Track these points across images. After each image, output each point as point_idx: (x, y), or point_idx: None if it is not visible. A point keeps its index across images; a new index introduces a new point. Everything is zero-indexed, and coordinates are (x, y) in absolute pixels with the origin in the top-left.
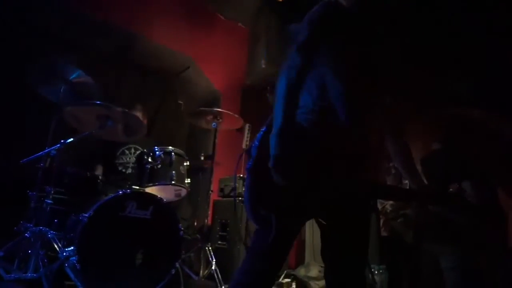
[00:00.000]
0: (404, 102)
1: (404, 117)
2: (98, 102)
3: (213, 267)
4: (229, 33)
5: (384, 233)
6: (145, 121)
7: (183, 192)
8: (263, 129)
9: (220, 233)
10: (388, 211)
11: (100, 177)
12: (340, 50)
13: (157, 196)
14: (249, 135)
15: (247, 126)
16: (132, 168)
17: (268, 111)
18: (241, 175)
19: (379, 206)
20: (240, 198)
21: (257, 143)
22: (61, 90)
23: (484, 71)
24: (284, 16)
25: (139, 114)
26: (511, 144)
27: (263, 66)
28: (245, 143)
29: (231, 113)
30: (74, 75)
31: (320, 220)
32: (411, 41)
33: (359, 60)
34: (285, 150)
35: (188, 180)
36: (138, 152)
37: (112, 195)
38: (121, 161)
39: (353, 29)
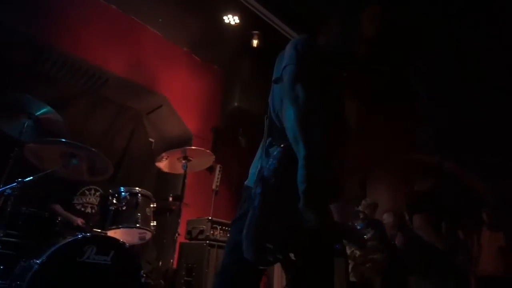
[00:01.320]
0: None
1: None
2: (64, 140)
3: None
4: (205, 74)
5: (352, 278)
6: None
7: (148, 235)
8: (278, 150)
9: (185, 278)
10: (357, 255)
11: (59, 218)
12: (317, 88)
13: (119, 240)
14: (220, 176)
15: (218, 167)
16: (91, 207)
17: (240, 154)
18: (210, 217)
19: (348, 251)
20: (207, 242)
21: (275, 164)
22: (24, 126)
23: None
24: (259, 60)
25: None
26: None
27: (236, 104)
28: (215, 184)
29: (202, 149)
30: (41, 111)
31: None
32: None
33: (332, 102)
34: (320, 186)
35: (153, 223)
36: (98, 193)
37: (70, 238)
38: (80, 201)
39: (326, 70)
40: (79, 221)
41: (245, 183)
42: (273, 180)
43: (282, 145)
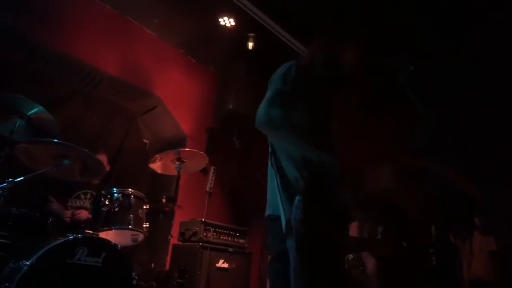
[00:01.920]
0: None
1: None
2: (56, 141)
3: None
4: (199, 76)
5: None
6: (108, 167)
7: (140, 237)
8: (298, 198)
9: (178, 280)
10: (350, 258)
11: (50, 219)
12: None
13: (111, 241)
14: (213, 177)
15: (212, 169)
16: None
17: (234, 155)
18: (203, 219)
19: None
20: (200, 244)
21: (300, 214)
22: (16, 125)
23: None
24: (254, 63)
25: (102, 157)
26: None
27: (231, 107)
28: (209, 186)
29: (195, 151)
30: (33, 111)
31: None
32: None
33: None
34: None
35: (146, 225)
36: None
37: (61, 240)
38: (74, 204)
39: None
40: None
41: (268, 213)
42: (303, 230)
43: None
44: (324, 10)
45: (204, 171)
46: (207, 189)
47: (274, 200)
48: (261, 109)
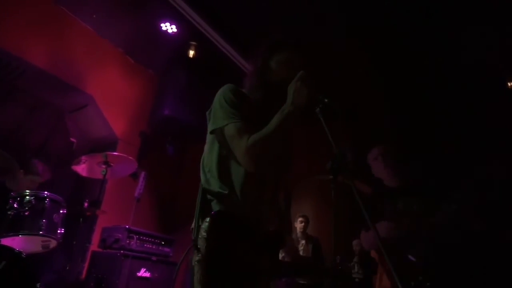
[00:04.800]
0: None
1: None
2: None
3: None
4: (137, 77)
5: None
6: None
7: (53, 243)
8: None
9: None
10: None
11: None
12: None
13: (14, 249)
14: (143, 183)
15: (142, 174)
16: None
17: (167, 162)
18: (127, 226)
19: None
20: (122, 251)
21: (204, 234)
22: None
23: None
24: (194, 71)
25: (38, 164)
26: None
27: (166, 113)
28: (138, 192)
29: (124, 155)
30: None
31: None
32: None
33: None
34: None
35: (61, 230)
36: None
37: None
38: None
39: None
40: None
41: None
42: (205, 251)
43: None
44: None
45: (134, 176)
46: (136, 194)
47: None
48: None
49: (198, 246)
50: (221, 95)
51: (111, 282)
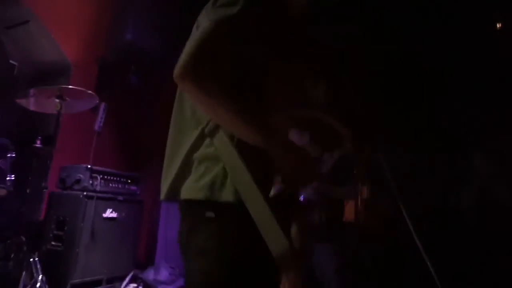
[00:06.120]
0: None
1: None
2: None
3: (37, 285)
4: None
5: None
6: None
7: (2, 192)
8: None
9: (55, 231)
10: None
11: None
12: None
13: None
14: (104, 115)
15: (102, 105)
16: None
17: (130, 92)
18: (89, 166)
19: None
20: (85, 193)
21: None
22: None
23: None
24: None
25: None
26: None
27: (129, 37)
28: (98, 125)
29: (82, 89)
30: None
31: None
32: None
33: None
34: None
35: (11, 177)
36: None
37: None
38: None
39: None
40: None
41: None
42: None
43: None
44: None
45: (93, 108)
46: (96, 128)
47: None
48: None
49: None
50: None
51: (74, 224)
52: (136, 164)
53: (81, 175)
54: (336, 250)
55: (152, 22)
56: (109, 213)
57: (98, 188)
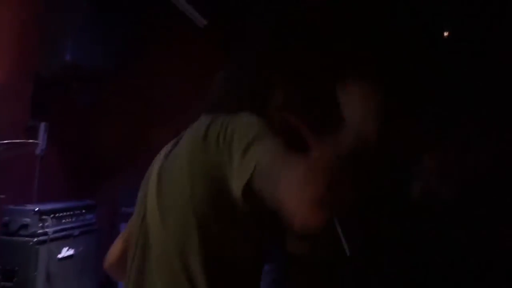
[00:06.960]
0: None
1: None
2: None
3: None
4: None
5: None
6: None
7: None
8: None
9: (2, 283)
10: None
11: None
12: None
13: None
14: (45, 136)
15: (42, 126)
16: None
17: (73, 112)
18: (36, 209)
19: None
20: (35, 239)
21: None
22: None
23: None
24: (100, 9)
25: None
26: None
27: (68, 58)
28: (40, 148)
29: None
30: None
31: None
32: None
33: None
34: None
35: None
36: None
37: None
38: None
39: None
40: None
41: None
42: None
43: None
44: None
45: (30, 130)
46: (38, 151)
47: None
48: None
49: None
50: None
51: (25, 273)
52: (87, 185)
53: (28, 219)
54: None
55: (93, 38)
56: (65, 252)
57: (49, 230)
